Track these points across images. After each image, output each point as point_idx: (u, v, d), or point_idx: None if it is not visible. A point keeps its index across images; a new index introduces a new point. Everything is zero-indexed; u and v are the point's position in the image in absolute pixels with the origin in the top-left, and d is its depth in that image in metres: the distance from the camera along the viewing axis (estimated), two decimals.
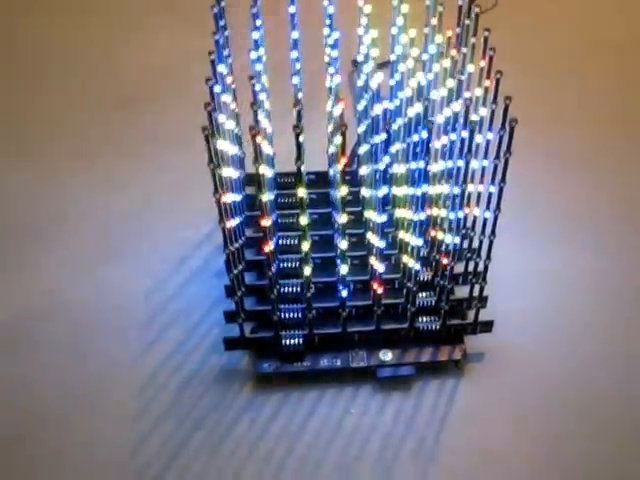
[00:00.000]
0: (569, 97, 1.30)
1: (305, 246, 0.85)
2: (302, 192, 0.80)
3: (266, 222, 0.84)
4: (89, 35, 1.40)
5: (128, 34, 1.40)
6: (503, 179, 0.83)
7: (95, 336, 0.97)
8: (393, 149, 0.97)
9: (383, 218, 0.86)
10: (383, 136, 0.83)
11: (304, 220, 0.83)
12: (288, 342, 0.93)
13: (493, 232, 0.87)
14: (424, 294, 0.97)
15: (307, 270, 0.87)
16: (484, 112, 0.86)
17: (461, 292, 0.96)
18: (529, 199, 1.06)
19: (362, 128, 0.99)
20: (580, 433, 0.90)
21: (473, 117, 0.85)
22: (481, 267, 0.91)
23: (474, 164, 0.85)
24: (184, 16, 1.41)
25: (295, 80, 0.97)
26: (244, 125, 0.86)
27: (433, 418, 0.91)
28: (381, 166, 0.84)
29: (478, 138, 0.85)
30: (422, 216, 0.87)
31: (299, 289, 0.97)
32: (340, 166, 0.84)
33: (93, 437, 0.89)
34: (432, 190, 0.91)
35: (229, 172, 0.88)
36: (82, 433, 0.89)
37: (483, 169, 0.89)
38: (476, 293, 0.94)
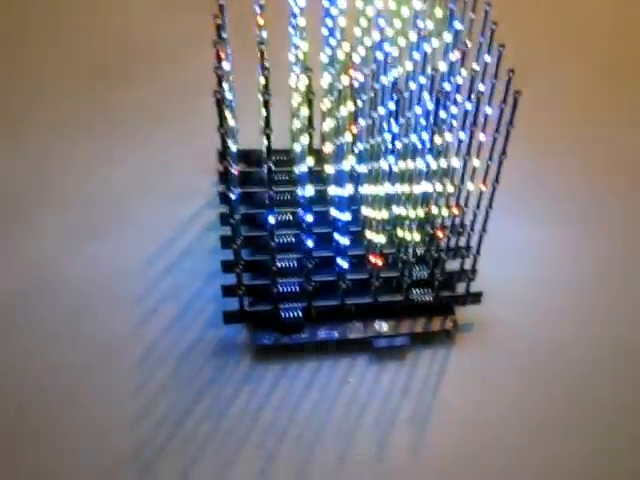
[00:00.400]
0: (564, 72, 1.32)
1: (309, 218, 0.87)
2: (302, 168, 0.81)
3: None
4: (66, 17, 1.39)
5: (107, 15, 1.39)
6: (504, 152, 0.85)
7: (89, 311, 0.97)
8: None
9: (384, 189, 0.88)
10: (392, 105, 0.84)
11: (308, 191, 0.84)
12: (287, 314, 0.95)
13: (490, 205, 0.90)
14: (417, 267, 0.99)
15: (309, 243, 0.89)
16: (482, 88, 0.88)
17: (450, 265, 0.98)
18: (518, 174, 1.07)
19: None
20: (561, 401, 0.94)
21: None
22: (475, 240, 0.94)
23: (480, 137, 0.87)
24: None
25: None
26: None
27: (426, 386, 0.94)
28: (387, 137, 0.85)
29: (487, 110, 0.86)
30: (420, 189, 0.90)
31: (296, 263, 0.98)
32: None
33: (93, 411, 0.89)
34: (433, 164, 0.92)
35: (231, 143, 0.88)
36: (82, 408, 0.89)
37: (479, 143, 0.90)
38: (466, 266, 0.97)
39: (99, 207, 1.07)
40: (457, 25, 0.88)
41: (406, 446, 0.89)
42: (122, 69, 1.25)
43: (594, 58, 1.42)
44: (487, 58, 0.86)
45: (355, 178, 0.97)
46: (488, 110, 0.85)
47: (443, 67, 0.88)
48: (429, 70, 0.88)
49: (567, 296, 1.03)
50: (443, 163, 0.90)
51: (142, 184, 1.10)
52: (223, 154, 0.82)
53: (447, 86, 0.88)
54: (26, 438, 0.86)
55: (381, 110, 0.94)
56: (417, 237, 0.93)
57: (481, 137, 0.87)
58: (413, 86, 0.90)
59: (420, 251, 0.99)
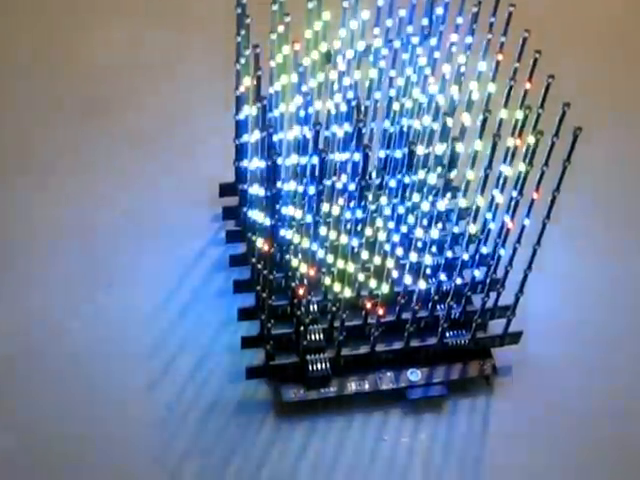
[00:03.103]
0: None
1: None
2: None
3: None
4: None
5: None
6: (558, 188, 0.79)
7: (97, 371, 0.88)
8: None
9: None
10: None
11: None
12: (314, 367, 0.86)
13: (539, 242, 0.83)
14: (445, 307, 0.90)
15: (347, 290, 0.83)
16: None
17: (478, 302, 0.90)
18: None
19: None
20: (611, 447, 0.87)
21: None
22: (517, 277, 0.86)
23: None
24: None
25: None
26: None
27: (469, 440, 0.87)
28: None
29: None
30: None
31: (316, 308, 0.90)
32: None
33: None
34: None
35: None
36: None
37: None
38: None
39: (94, 255, 0.97)
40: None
41: None
42: (107, 106, 1.13)
43: None
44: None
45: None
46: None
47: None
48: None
49: (617, 333, 0.96)
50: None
51: (137, 224, 1.00)
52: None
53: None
54: None
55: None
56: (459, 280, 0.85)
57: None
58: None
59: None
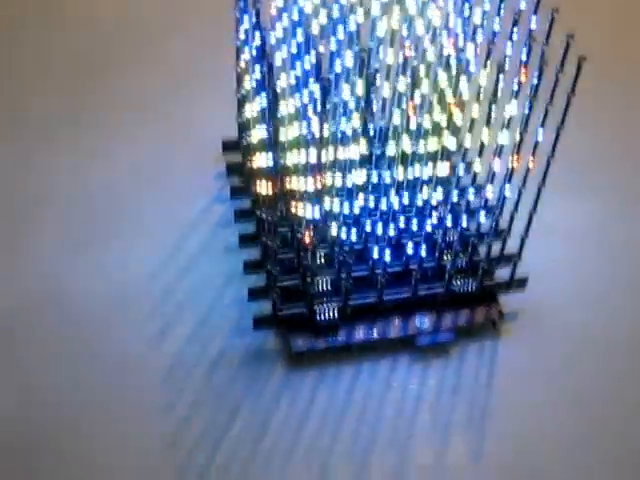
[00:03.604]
0: None
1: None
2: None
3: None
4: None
5: None
6: (562, 122, 0.77)
7: (102, 327, 0.88)
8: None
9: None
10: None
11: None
12: (322, 316, 0.86)
13: (543, 181, 0.82)
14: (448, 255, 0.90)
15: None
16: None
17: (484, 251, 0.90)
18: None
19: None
20: (618, 385, 0.88)
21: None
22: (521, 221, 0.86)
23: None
24: None
25: None
26: None
27: (478, 385, 0.87)
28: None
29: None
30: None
31: (323, 258, 0.90)
32: None
33: (123, 438, 0.81)
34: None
35: None
36: (110, 435, 0.81)
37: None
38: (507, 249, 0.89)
39: (100, 212, 0.97)
40: None
41: (466, 454, 0.82)
42: (108, 63, 1.13)
43: None
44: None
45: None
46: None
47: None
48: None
49: (621, 278, 0.95)
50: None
51: (142, 183, 0.99)
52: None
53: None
54: (45, 464, 0.79)
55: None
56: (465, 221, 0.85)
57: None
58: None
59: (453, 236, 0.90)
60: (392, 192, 0.84)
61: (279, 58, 0.80)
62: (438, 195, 0.85)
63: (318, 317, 0.86)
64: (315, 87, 0.74)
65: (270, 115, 0.75)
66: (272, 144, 0.77)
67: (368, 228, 0.87)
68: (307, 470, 0.80)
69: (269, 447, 0.81)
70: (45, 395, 0.83)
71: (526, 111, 0.78)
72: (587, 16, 1.13)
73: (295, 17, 0.80)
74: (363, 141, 0.80)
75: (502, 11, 0.83)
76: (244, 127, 0.92)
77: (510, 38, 0.81)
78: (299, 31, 0.79)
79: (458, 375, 0.87)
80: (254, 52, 0.80)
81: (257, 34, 0.76)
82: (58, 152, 1.02)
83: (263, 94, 0.77)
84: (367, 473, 0.80)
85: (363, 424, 0.83)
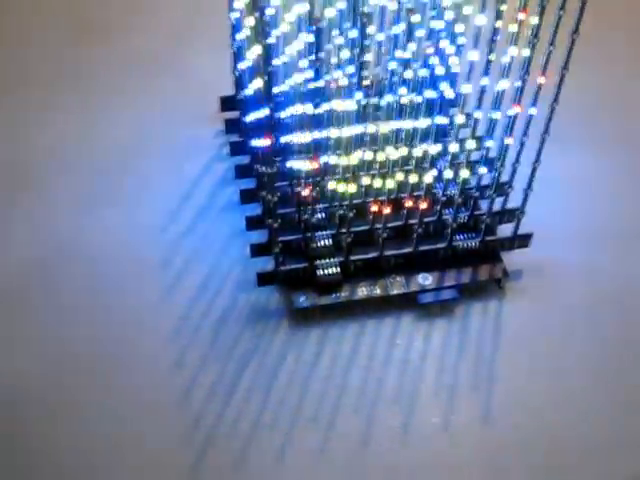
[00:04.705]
0: None
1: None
2: None
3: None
4: None
5: None
6: (566, 66, 0.76)
7: (110, 285, 0.88)
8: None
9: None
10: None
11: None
12: (324, 272, 0.86)
13: (547, 131, 0.81)
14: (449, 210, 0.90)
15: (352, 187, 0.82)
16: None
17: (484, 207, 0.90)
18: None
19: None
20: (624, 346, 0.86)
21: None
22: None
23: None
24: None
25: None
26: None
27: (483, 344, 0.86)
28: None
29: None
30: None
31: (323, 214, 0.89)
32: None
33: (131, 393, 0.81)
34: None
35: None
36: (119, 389, 0.81)
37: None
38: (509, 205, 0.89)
39: (103, 169, 0.97)
40: None
41: (472, 413, 0.81)
42: (106, 21, 1.13)
43: None
44: None
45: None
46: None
47: None
48: None
49: (627, 235, 0.94)
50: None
51: (143, 141, 0.99)
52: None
53: None
54: (61, 414, 0.79)
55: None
56: (466, 173, 0.84)
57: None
58: None
59: (455, 191, 0.89)
60: (389, 145, 0.83)
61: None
62: (437, 148, 0.84)
63: (320, 273, 0.86)
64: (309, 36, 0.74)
65: (264, 64, 0.74)
66: (267, 95, 0.76)
67: (366, 181, 0.85)
68: (314, 425, 0.79)
69: (277, 402, 0.80)
70: (60, 348, 0.83)
71: (526, 54, 0.77)
72: None
73: None
74: (359, 93, 0.79)
75: None
76: (240, 82, 0.91)
77: None
78: None
79: (463, 334, 0.86)
80: None
81: None
82: (63, 108, 1.02)
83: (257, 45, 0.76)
84: (373, 429, 0.80)
85: (368, 381, 0.83)
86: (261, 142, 0.80)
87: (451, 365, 0.84)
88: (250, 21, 0.77)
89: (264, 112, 0.78)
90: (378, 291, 0.87)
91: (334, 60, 0.81)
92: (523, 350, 0.85)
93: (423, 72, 0.83)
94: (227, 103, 0.99)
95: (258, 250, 0.86)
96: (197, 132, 0.99)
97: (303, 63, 0.80)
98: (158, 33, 1.10)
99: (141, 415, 0.79)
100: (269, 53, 0.72)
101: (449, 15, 0.81)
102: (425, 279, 0.88)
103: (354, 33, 0.78)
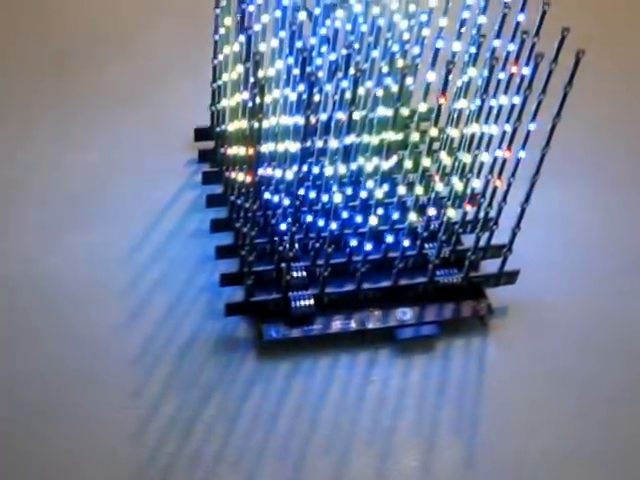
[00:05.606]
0: None
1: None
2: None
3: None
4: None
5: None
6: (558, 114, 0.74)
7: (74, 309, 0.84)
8: None
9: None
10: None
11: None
12: (297, 304, 0.81)
13: (538, 172, 0.78)
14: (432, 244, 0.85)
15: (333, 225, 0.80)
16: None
17: (468, 242, 0.86)
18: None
19: None
20: (614, 382, 0.83)
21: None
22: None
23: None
24: None
25: None
26: None
27: (465, 382, 0.81)
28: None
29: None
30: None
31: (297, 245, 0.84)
32: None
33: (91, 422, 0.76)
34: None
35: None
36: (78, 419, 0.77)
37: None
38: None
39: (75, 195, 0.93)
40: None
41: (452, 455, 0.76)
42: (85, 51, 1.10)
43: None
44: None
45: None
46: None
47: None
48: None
49: (613, 273, 0.91)
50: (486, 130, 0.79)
51: (114, 168, 0.96)
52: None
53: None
54: (12, 448, 0.74)
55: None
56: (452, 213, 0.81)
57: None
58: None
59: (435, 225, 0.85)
60: (370, 182, 0.80)
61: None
62: (419, 190, 0.80)
63: (293, 305, 0.81)
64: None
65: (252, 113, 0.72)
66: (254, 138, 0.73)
67: (345, 215, 0.82)
68: (280, 465, 0.74)
69: (240, 438, 0.76)
70: (15, 379, 0.79)
71: (517, 102, 0.76)
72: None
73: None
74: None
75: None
76: (219, 116, 0.91)
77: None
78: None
79: (444, 372, 0.82)
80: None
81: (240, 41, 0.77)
82: (38, 138, 1.00)
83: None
84: (345, 471, 0.75)
85: (341, 419, 0.78)
86: (240, 175, 0.79)
87: (431, 404, 0.80)
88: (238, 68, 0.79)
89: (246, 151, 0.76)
90: (353, 325, 0.83)
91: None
92: (506, 390, 0.81)
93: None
94: (201, 134, 0.97)
95: (228, 280, 0.83)
96: (170, 160, 0.97)
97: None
98: (136, 68, 1.08)
99: (94, 448, 0.75)
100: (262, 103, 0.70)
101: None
102: (404, 314, 0.83)
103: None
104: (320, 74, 0.81)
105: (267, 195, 0.83)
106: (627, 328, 0.87)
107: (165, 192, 0.94)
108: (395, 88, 0.74)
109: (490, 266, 0.86)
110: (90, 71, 1.07)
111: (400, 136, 0.79)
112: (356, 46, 0.83)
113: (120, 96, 1.04)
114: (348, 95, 0.76)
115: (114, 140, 0.99)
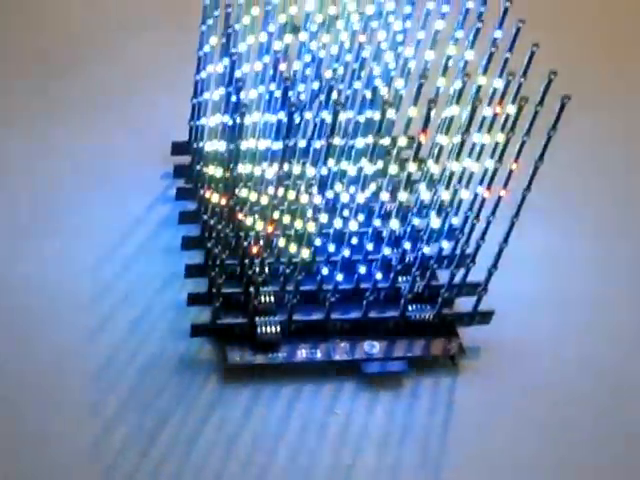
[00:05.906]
0: None
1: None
2: None
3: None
4: None
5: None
6: (541, 157, 0.74)
7: (34, 322, 0.82)
8: None
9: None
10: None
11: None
12: (264, 330, 0.80)
13: (517, 214, 0.77)
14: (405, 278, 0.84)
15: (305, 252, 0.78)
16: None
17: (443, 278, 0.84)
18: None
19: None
20: (587, 428, 0.81)
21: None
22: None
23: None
24: None
25: None
26: None
27: (432, 422, 0.79)
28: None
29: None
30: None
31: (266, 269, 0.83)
32: None
33: (48, 436, 0.74)
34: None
35: None
36: (34, 434, 0.74)
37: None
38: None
39: (45, 204, 0.92)
40: None
41: None
42: (61, 57, 1.08)
43: None
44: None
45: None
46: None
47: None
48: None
49: (592, 317, 0.89)
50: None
51: (86, 176, 0.94)
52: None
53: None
54: None
55: None
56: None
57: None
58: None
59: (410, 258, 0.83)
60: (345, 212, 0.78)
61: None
62: (394, 224, 0.78)
63: (259, 330, 0.80)
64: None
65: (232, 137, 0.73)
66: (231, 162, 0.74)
67: (318, 243, 0.80)
68: None
69: (196, 464, 0.73)
70: None
71: (499, 142, 0.75)
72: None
73: None
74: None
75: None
76: (197, 132, 0.90)
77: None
78: None
79: (410, 410, 0.80)
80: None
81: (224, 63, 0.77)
82: (11, 140, 0.98)
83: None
84: None
85: (299, 453, 0.76)
86: (214, 196, 0.78)
87: (395, 443, 0.77)
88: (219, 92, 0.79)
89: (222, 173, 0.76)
90: (319, 355, 0.81)
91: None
92: (474, 433, 0.79)
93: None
94: (178, 148, 0.95)
95: (195, 300, 0.81)
96: (144, 172, 0.95)
97: None
98: (114, 78, 1.06)
99: (52, 463, 0.73)
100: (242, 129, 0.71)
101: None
102: (372, 347, 0.81)
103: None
104: (302, 97, 0.81)
105: (240, 216, 0.81)
106: (603, 374, 0.85)
107: (137, 205, 0.92)
108: (377, 117, 0.73)
109: (465, 304, 0.84)
110: (71, 80, 1.05)
111: (379, 165, 0.78)
112: (340, 70, 0.82)
113: (100, 102, 1.02)
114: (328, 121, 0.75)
115: (89, 147, 0.97)
